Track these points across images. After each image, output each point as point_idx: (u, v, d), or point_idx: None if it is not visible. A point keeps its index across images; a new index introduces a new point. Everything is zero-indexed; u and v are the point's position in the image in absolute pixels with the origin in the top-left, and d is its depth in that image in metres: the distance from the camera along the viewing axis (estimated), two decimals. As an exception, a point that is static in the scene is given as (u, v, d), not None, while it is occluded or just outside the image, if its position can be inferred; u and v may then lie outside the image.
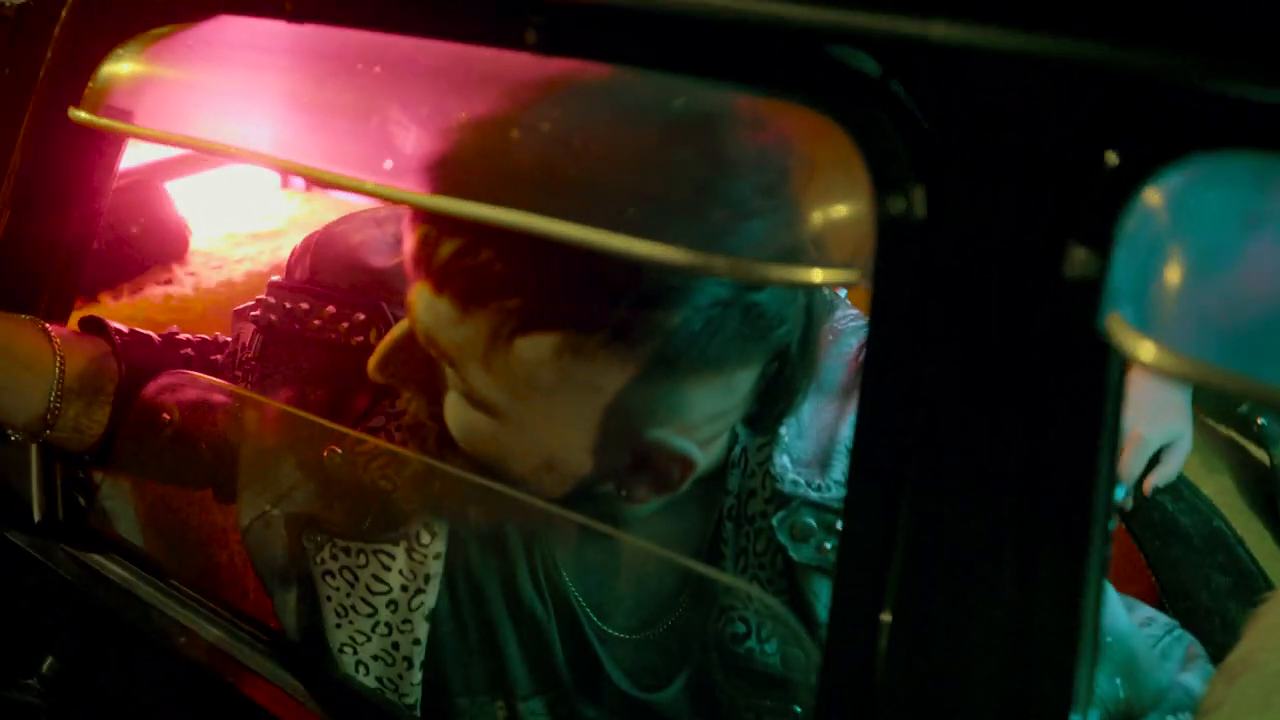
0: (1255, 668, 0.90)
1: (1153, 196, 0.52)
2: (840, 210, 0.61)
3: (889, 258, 0.60)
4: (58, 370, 0.98)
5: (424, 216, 0.74)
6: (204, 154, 0.76)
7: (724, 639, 0.90)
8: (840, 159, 0.60)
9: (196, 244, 1.72)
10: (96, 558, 1.04)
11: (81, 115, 0.85)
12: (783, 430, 0.87)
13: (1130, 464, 1.37)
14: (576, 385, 0.76)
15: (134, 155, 1.65)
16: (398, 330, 0.82)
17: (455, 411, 0.81)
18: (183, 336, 1.10)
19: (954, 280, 0.58)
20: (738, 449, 0.89)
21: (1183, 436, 1.39)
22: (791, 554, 0.86)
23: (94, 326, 1.05)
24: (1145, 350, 0.50)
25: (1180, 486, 1.39)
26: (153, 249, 1.64)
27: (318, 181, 0.76)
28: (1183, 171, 0.51)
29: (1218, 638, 1.26)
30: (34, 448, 1.06)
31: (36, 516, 1.07)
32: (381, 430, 0.92)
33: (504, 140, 0.66)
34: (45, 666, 1.03)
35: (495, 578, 0.94)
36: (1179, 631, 0.99)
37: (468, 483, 0.83)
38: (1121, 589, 1.03)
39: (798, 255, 0.61)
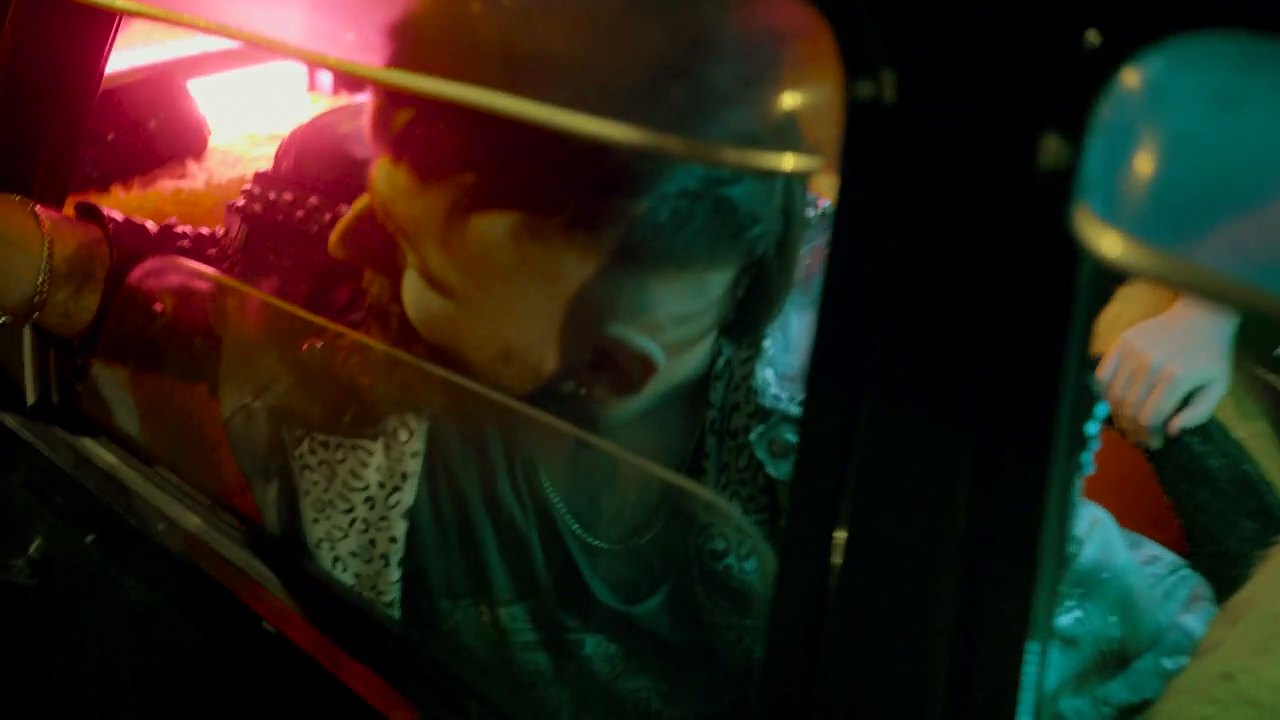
0: (1257, 609, 0.86)
1: (1131, 79, 0.47)
2: (808, 94, 0.57)
3: (856, 145, 0.56)
4: (46, 252, 0.97)
5: (382, 88, 0.71)
6: (181, 28, 0.73)
7: (704, 555, 0.88)
8: (809, 39, 0.55)
9: (215, 142, 1.70)
10: (87, 442, 1.04)
11: (57, -15, 0.82)
12: (766, 343, 0.84)
13: (1160, 402, 1.32)
14: (534, 271, 0.73)
15: (156, 51, 1.64)
16: (359, 204, 0.80)
17: (413, 292, 0.79)
18: (181, 229, 1.08)
19: (923, 170, 0.54)
20: (721, 361, 0.86)
21: (1217, 379, 1.33)
22: (770, 471, 0.83)
23: (88, 213, 1.04)
24: (1111, 244, 0.46)
25: (1210, 429, 1.33)
26: (169, 144, 1.62)
27: (280, 52, 0.73)
28: (1164, 53, 0.46)
29: (1242, 584, 1.21)
30: (27, 331, 1.06)
31: (30, 399, 1.07)
32: (360, 325, 0.89)
33: (464, 11, 0.63)
34: (33, 548, 1.04)
35: (475, 480, 0.92)
36: (1185, 571, 0.95)
37: (436, 376, 0.80)
38: (1149, 533, 0.99)
39: (762, 140, 0.57)
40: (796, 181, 0.74)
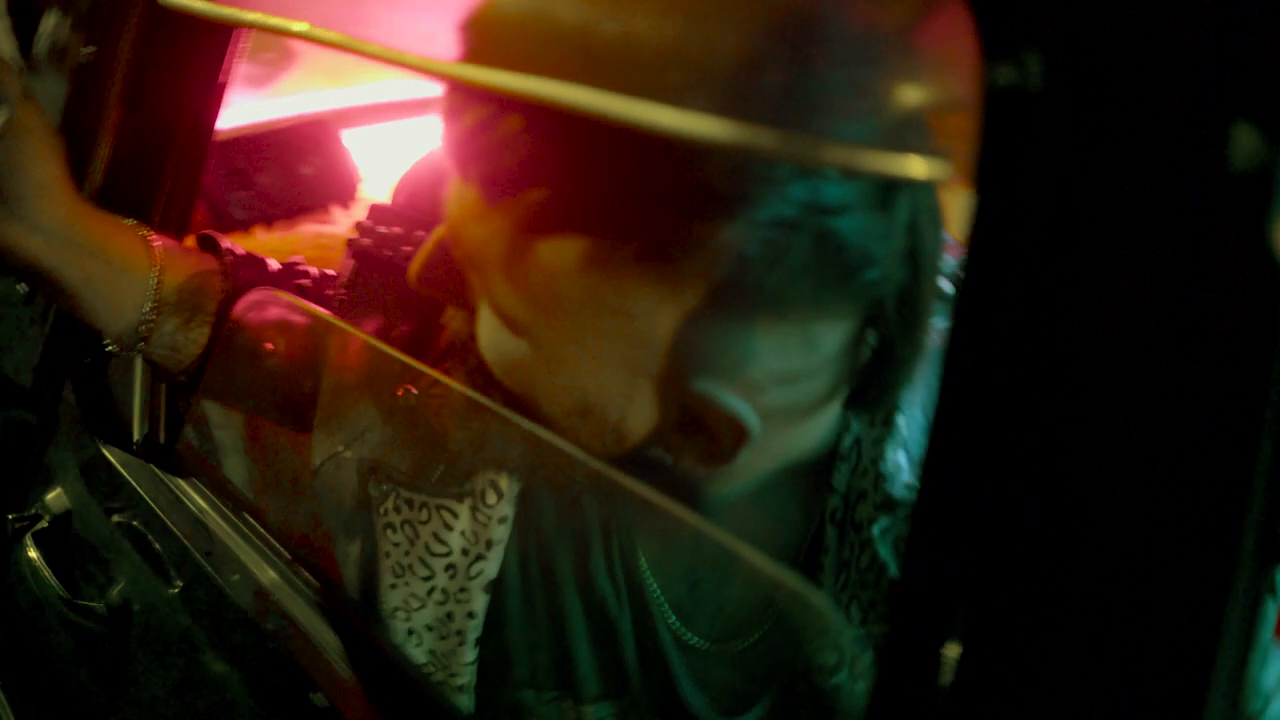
0: None
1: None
2: (935, 83, 0.46)
3: (996, 144, 0.44)
4: (154, 280, 0.93)
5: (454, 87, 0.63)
6: (315, 44, 0.68)
7: (812, 668, 0.75)
8: (935, 16, 0.45)
9: (364, 192, 1.69)
10: (182, 484, 0.99)
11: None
12: (901, 420, 0.71)
13: None
14: (605, 307, 0.62)
15: (314, 100, 1.65)
16: (439, 232, 0.72)
17: (486, 330, 0.70)
18: (303, 268, 1.04)
19: (1077, 173, 0.43)
20: (849, 440, 0.74)
21: None
22: (894, 572, 0.70)
23: (207, 244, 1.00)
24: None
25: None
26: (320, 191, 1.62)
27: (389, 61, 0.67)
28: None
29: None
30: (139, 365, 1.02)
31: (136, 435, 1.03)
32: (455, 373, 0.81)
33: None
34: (115, 591, 0.99)
35: (567, 555, 0.82)
36: None
37: (521, 429, 0.71)
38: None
39: (882, 138, 0.46)
40: (925, 218, 0.62)
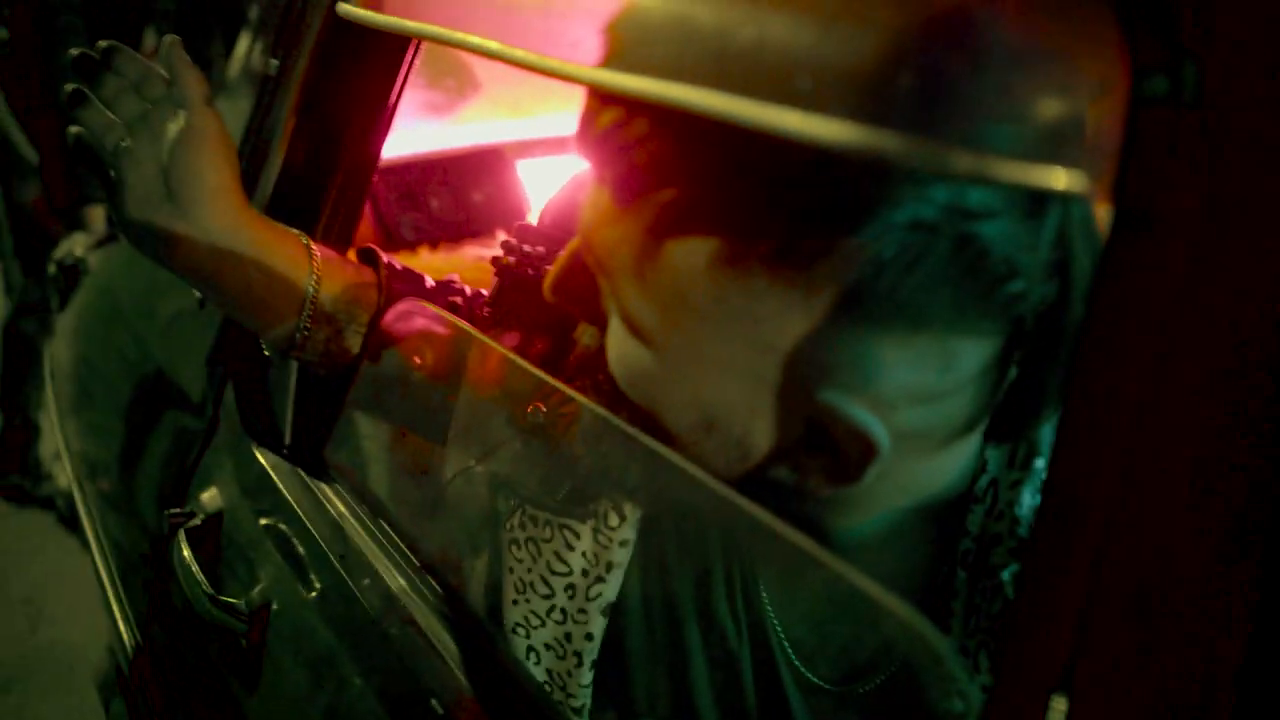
0: None
1: None
2: (1085, 92, 0.44)
3: (1147, 158, 0.42)
4: (312, 289, 0.97)
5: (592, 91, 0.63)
6: (480, 56, 0.69)
7: (936, 714, 0.71)
8: (1081, 22, 0.43)
9: (531, 219, 1.72)
10: (326, 489, 1.02)
11: (345, 9, 0.82)
12: (1040, 462, 0.68)
13: None
14: (734, 312, 0.61)
15: (492, 130, 1.69)
16: (574, 244, 0.72)
17: (614, 341, 0.69)
18: (458, 285, 1.06)
19: (1235, 189, 0.40)
20: (985, 480, 0.70)
21: None
22: (1029, 619, 0.66)
23: (366, 256, 1.04)
24: None
25: None
26: (490, 217, 1.65)
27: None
28: None
29: None
30: (293, 371, 1.06)
31: (287, 440, 1.07)
32: (584, 389, 0.81)
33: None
34: (256, 590, 1.02)
35: (688, 585, 0.81)
36: None
37: (645, 448, 0.70)
38: None
39: (1023, 148, 0.44)
40: (1078, 232, 0.58)
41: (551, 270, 0.73)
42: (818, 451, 0.64)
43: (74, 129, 0.90)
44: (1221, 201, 0.40)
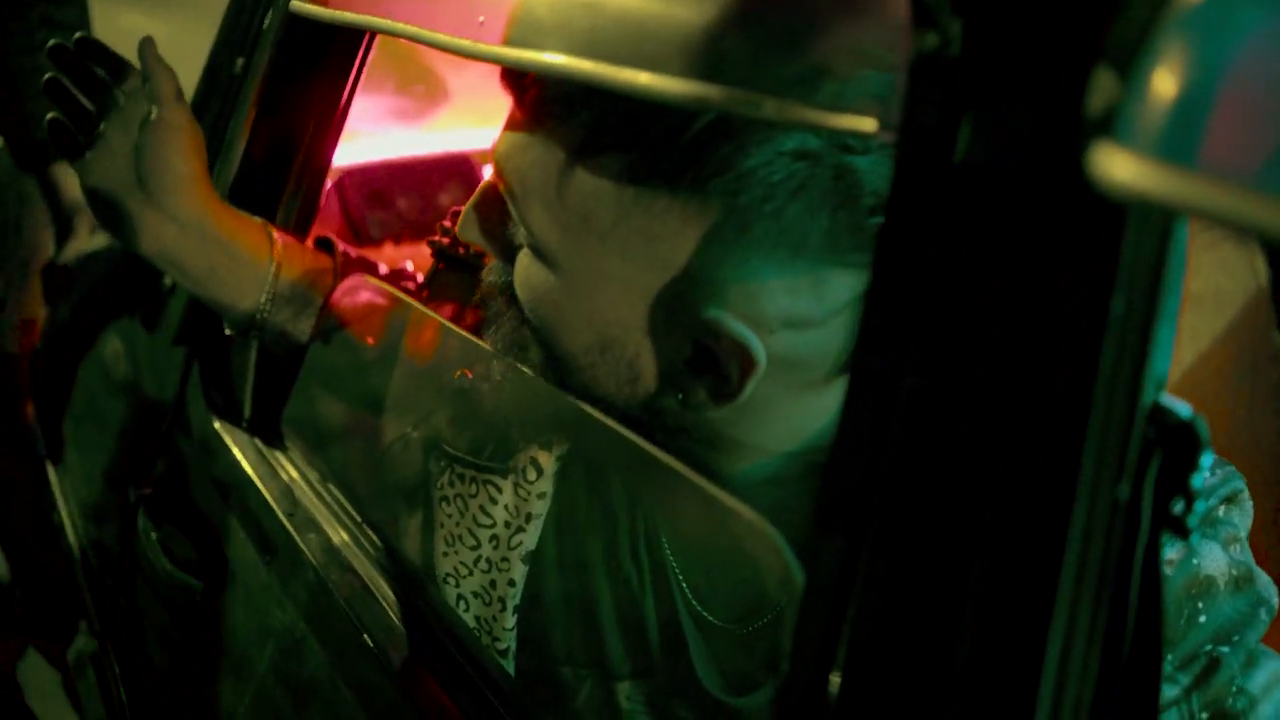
0: None
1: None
2: (872, 44, 0.52)
3: (918, 102, 0.49)
4: (272, 273, 1.04)
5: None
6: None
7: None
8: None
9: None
10: (279, 456, 1.09)
11: (298, 6, 0.90)
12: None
13: None
14: (634, 230, 0.68)
15: (460, 138, 1.78)
16: (485, 181, 0.79)
17: (520, 267, 0.76)
18: (411, 272, 1.13)
19: (986, 132, 0.47)
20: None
21: None
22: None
23: (323, 244, 1.11)
24: (1122, 166, 0.37)
25: None
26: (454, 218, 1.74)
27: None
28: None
29: None
30: (254, 350, 1.13)
31: (246, 413, 1.14)
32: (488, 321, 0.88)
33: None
34: (216, 557, 1.09)
35: (597, 533, 0.88)
36: None
37: (551, 394, 0.78)
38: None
39: (818, 92, 0.52)
40: None
41: (464, 210, 0.80)
42: (701, 372, 0.71)
43: (50, 114, 0.98)
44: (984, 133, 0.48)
